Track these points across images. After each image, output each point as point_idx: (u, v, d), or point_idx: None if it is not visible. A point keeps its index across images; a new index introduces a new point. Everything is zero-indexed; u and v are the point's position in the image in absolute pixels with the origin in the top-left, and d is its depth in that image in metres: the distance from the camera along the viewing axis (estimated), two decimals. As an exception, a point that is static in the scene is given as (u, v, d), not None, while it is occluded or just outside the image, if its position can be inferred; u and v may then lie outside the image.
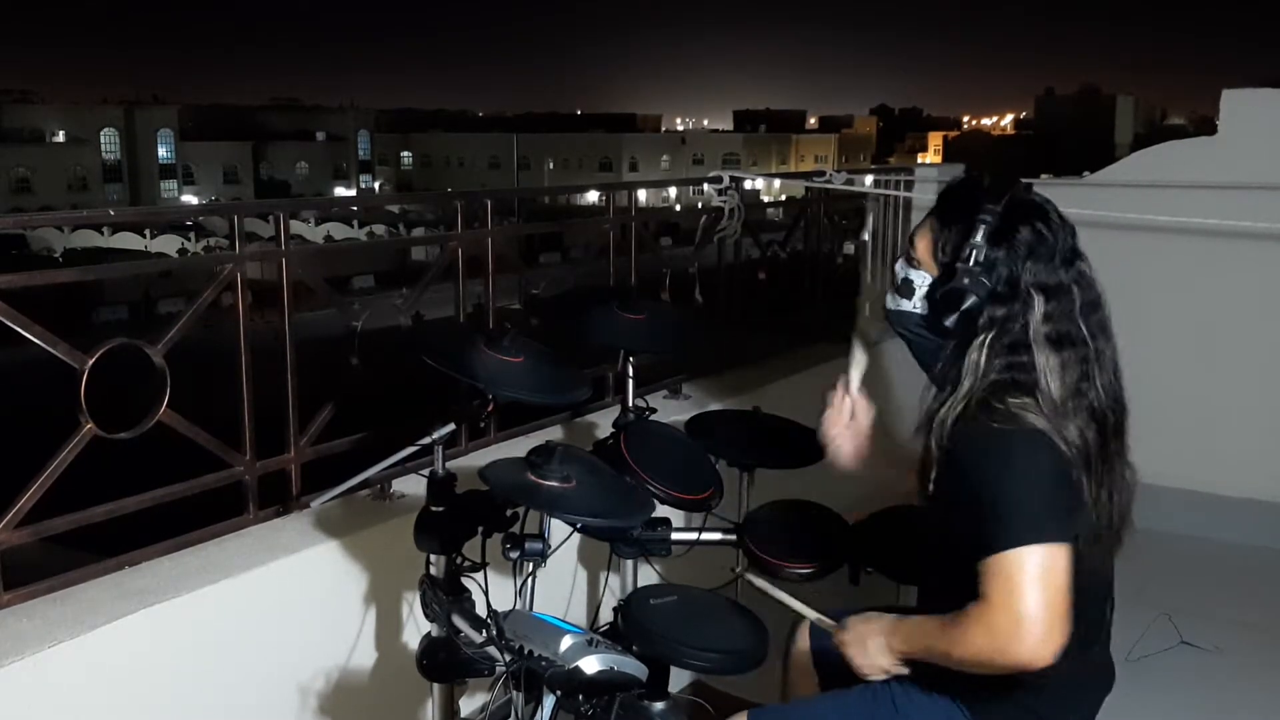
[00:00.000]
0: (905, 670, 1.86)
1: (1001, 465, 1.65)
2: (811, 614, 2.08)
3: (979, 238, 1.71)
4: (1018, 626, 1.60)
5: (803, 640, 2.23)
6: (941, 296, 1.75)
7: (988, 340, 1.71)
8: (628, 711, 1.87)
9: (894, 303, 1.87)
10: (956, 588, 1.69)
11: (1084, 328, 1.72)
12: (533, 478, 1.93)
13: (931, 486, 1.82)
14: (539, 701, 1.92)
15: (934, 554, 1.88)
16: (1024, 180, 1.83)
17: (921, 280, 1.81)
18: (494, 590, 2.11)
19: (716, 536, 2.60)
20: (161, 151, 72.72)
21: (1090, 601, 1.85)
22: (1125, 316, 1.84)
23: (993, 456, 1.66)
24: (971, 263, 1.71)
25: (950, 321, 1.74)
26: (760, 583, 2.19)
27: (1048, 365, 1.69)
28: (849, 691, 1.97)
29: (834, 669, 2.08)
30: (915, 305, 1.82)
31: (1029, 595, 1.59)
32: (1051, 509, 1.64)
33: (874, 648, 1.87)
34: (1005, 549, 1.61)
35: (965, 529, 1.68)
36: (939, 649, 1.74)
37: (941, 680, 1.85)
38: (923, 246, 1.82)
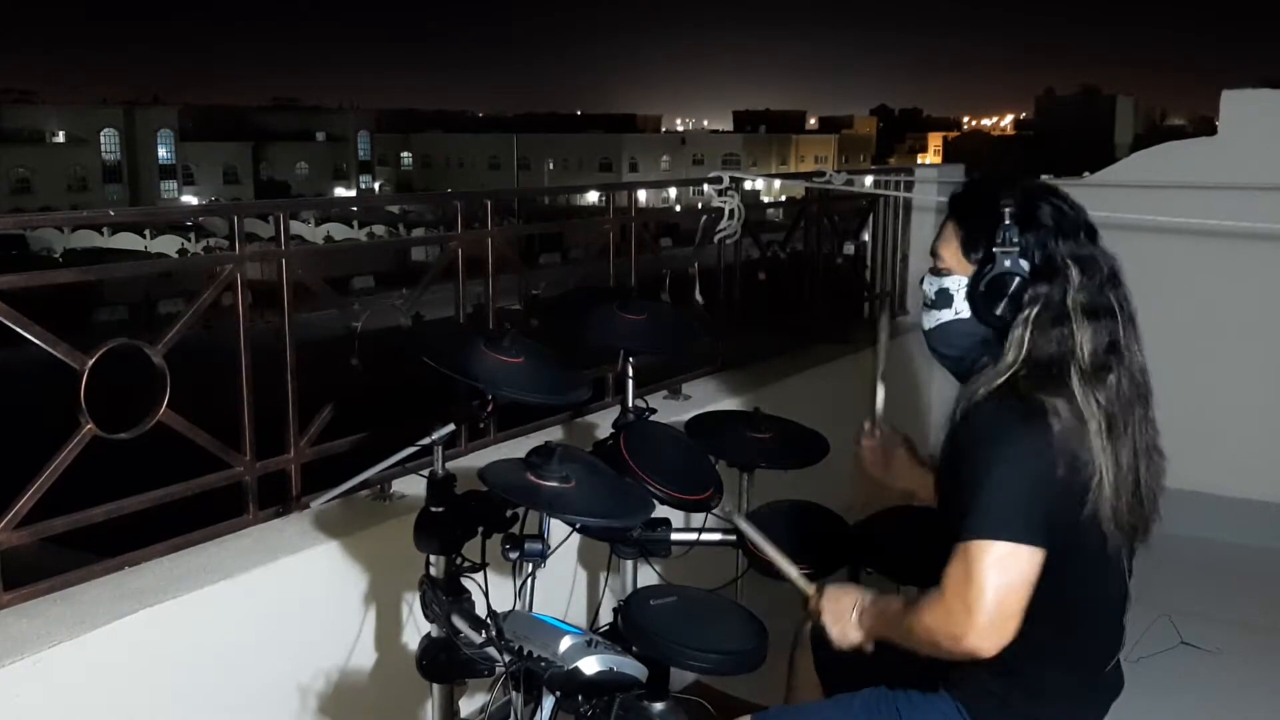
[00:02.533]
0: (870, 648, 1.89)
1: (999, 452, 1.67)
2: (794, 573, 2.08)
3: (1007, 222, 1.75)
4: (965, 614, 1.64)
5: (805, 633, 2.25)
6: (986, 286, 1.77)
7: (1031, 316, 1.73)
8: (627, 712, 1.87)
9: (932, 320, 1.87)
10: None
11: (1112, 299, 1.76)
12: (532, 478, 1.93)
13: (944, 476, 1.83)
14: (538, 702, 1.92)
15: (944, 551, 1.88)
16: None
17: (957, 285, 1.83)
18: (494, 590, 2.11)
19: (716, 536, 2.60)
20: (161, 152, 72.69)
21: (1113, 612, 1.86)
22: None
23: (994, 440, 1.68)
24: (1006, 246, 1.75)
25: (1000, 308, 1.76)
26: (747, 529, 2.16)
27: (1083, 336, 1.72)
28: (854, 696, 1.97)
29: (832, 661, 2.10)
30: (957, 311, 1.83)
31: (981, 586, 1.63)
32: (1030, 511, 1.66)
33: (849, 622, 1.91)
34: (973, 538, 1.65)
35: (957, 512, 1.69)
36: (899, 628, 1.78)
37: (945, 682, 1.86)
38: (949, 253, 1.85)
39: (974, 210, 1.83)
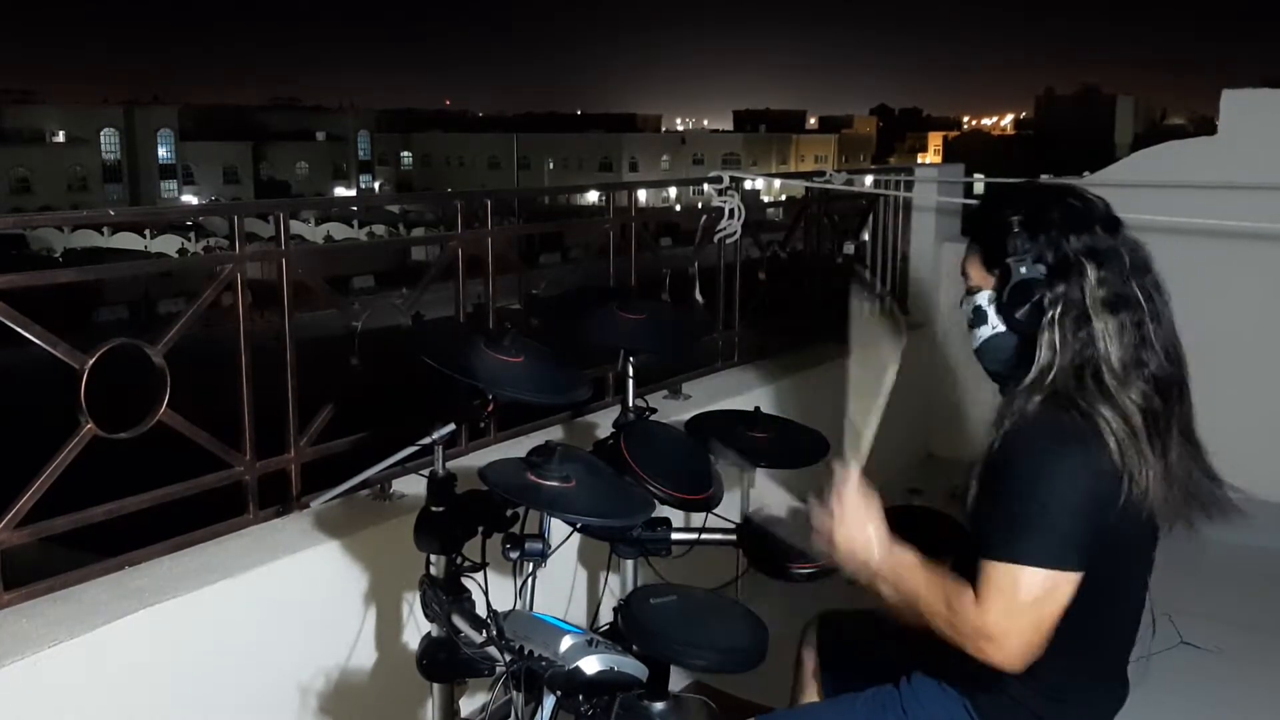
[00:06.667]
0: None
1: (1045, 472, 1.64)
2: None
3: (1015, 230, 1.76)
4: (999, 633, 1.62)
5: (812, 634, 2.25)
6: (1008, 297, 1.78)
7: (1055, 316, 1.72)
8: (628, 711, 1.87)
9: (975, 339, 1.88)
10: None
11: (1137, 289, 1.75)
12: (533, 478, 1.93)
13: (976, 485, 1.79)
14: (539, 701, 1.92)
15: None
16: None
17: (987, 300, 1.83)
18: (494, 590, 2.11)
19: (716, 536, 2.60)
20: (161, 151, 72.68)
21: (1135, 613, 1.85)
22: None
23: (1041, 458, 1.65)
24: (1018, 254, 1.75)
25: (1021, 313, 1.76)
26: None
27: (1106, 331, 1.70)
28: (856, 696, 1.97)
29: (837, 660, 2.11)
30: (993, 326, 1.83)
31: (1023, 613, 1.62)
32: (1074, 538, 1.63)
33: (863, 543, 1.76)
34: (1017, 562, 1.62)
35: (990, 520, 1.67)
36: (914, 592, 1.70)
37: (952, 679, 1.85)
38: (974, 271, 1.86)
39: (986, 224, 1.84)
